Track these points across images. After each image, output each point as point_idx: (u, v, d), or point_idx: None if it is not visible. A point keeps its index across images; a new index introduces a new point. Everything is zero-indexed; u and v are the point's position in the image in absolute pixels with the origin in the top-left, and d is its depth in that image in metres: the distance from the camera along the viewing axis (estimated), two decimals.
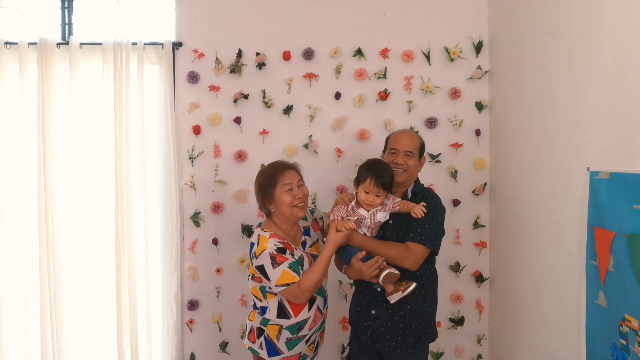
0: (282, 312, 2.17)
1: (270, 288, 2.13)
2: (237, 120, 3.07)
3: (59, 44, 3.00)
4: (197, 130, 3.07)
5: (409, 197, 2.27)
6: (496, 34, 2.99)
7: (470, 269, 3.13)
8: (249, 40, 3.06)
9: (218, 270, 3.11)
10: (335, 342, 3.08)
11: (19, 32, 3.04)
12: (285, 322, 2.17)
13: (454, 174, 3.08)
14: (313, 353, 2.33)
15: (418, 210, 2.11)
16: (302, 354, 2.25)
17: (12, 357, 3.05)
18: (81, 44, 2.99)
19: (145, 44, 3.00)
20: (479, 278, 3.11)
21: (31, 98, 2.97)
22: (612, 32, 1.84)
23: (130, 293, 3.00)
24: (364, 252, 2.14)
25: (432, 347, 2.70)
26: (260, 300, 2.22)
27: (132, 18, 3.13)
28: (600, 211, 1.88)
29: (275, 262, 2.07)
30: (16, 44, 2.97)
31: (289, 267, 2.07)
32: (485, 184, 3.09)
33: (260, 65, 3.06)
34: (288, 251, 2.12)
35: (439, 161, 3.08)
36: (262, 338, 2.21)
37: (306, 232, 2.31)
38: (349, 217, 2.16)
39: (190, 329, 3.14)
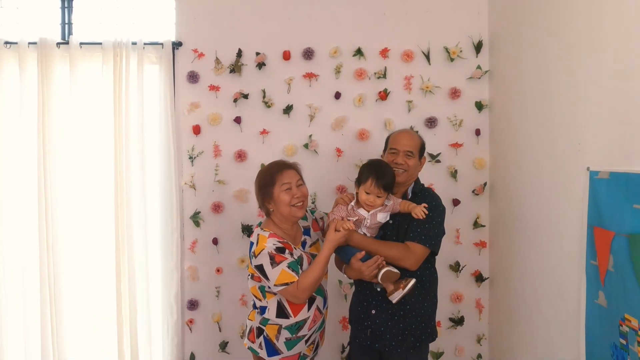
0: (281, 312, 2.17)
1: (269, 287, 2.13)
2: (237, 120, 3.07)
3: (58, 44, 3.00)
4: (197, 130, 3.07)
5: (409, 197, 2.27)
6: (496, 34, 2.99)
7: (470, 269, 3.13)
8: (249, 40, 3.06)
9: (218, 270, 3.11)
10: (335, 342, 3.08)
11: (19, 32, 3.03)
12: (284, 322, 2.17)
13: (453, 174, 3.08)
14: (313, 353, 2.32)
15: (419, 211, 2.11)
16: (301, 354, 2.25)
17: (12, 357, 3.05)
18: (81, 43, 2.99)
19: (145, 44, 3.00)
20: (479, 278, 3.12)
21: (31, 98, 2.97)
22: (612, 32, 1.84)
23: (130, 293, 3.00)
24: (363, 252, 2.14)
25: (432, 347, 2.70)
26: (260, 300, 2.22)
27: (132, 18, 3.13)
28: (600, 211, 1.88)
29: (274, 262, 2.07)
30: (16, 43, 2.96)
31: (288, 267, 2.07)
32: (485, 184, 3.09)
33: (260, 65, 3.06)
34: (287, 251, 2.12)
35: (438, 161, 3.08)
36: (261, 338, 2.21)
37: (306, 231, 2.31)
38: (349, 217, 2.16)
39: (190, 329, 3.14)
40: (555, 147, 2.27)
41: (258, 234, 2.17)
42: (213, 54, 3.07)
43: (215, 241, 3.10)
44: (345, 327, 3.03)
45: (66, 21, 3.11)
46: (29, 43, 2.96)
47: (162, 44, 3.00)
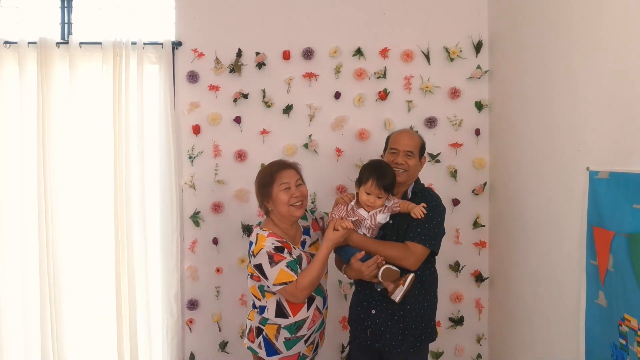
0: (280, 312, 2.17)
1: (268, 287, 2.13)
2: (237, 119, 3.07)
3: (58, 44, 2.99)
4: (196, 129, 3.07)
5: (409, 197, 2.27)
6: (496, 34, 2.99)
7: (470, 269, 3.13)
8: (249, 40, 3.06)
9: (218, 270, 3.11)
10: (335, 341, 3.08)
11: (19, 32, 3.03)
12: (283, 322, 2.17)
13: (453, 174, 3.08)
14: (313, 353, 2.32)
15: (418, 211, 2.11)
16: (301, 354, 2.25)
17: (12, 357, 3.05)
18: (81, 43, 2.99)
19: (144, 44, 3.00)
20: (479, 278, 3.12)
21: (31, 97, 2.97)
22: (612, 32, 1.84)
23: (130, 293, 3.00)
24: (363, 252, 2.14)
25: (432, 346, 2.70)
26: (259, 300, 2.22)
27: (131, 18, 3.13)
28: (600, 211, 1.88)
29: (272, 261, 2.07)
30: (16, 43, 2.96)
31: (287, 266, 2.07)
32: (485, 184, 3.09)
33: (260, 64, 3.05)
34: (286, 250, 2.12)
35: (438, 161, 3.08)
36: (260, 337, 2.21)
37: (306, 231, 2.31)
38: (348, 217, 2.16)
39: (190, 329, 3.14)
40: (555, 147, 2.27)
41: (257, 234, 2.17)
42: (213, 54, 3.07)
43: (215, 241, 3.10)
44: (345, 327, 3.02)
45: (66, 21, 3.11)
46: (29, 43, 2.96)
47: (161, 43, 3.00)
